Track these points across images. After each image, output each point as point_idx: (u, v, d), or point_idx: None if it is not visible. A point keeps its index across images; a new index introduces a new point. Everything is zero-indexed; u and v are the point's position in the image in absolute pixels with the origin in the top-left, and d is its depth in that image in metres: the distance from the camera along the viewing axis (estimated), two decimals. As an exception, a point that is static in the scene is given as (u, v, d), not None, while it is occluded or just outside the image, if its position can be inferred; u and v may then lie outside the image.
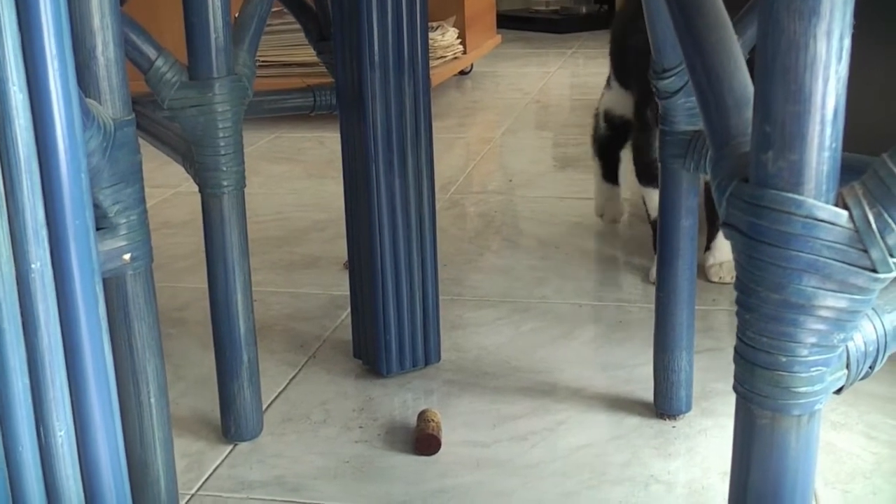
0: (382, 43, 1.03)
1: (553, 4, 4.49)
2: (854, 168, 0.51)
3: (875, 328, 0.53)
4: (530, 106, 2.76)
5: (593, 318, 1.31)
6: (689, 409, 1.04)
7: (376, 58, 1.03)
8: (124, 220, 0.71)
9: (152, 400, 0.76)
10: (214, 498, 0.93)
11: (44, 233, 0.47)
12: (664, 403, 1.04)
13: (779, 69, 0.46)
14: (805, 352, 0.49)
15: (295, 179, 2.07)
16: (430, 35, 2.68)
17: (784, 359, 0.50)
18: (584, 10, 4.40)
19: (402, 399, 1.11)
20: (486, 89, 3.05)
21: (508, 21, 4.33)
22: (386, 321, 1.12)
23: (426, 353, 1.16)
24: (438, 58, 2.73)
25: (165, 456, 0.79)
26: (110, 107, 0.70)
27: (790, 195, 0.47)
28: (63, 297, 0.48)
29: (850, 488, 0.92)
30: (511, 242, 1.62)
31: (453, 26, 2.87)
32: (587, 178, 1.99)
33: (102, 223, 0.71)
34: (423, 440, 0.99)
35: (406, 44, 1.05)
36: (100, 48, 0.68)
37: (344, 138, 1.11)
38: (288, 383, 1.16)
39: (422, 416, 1.02)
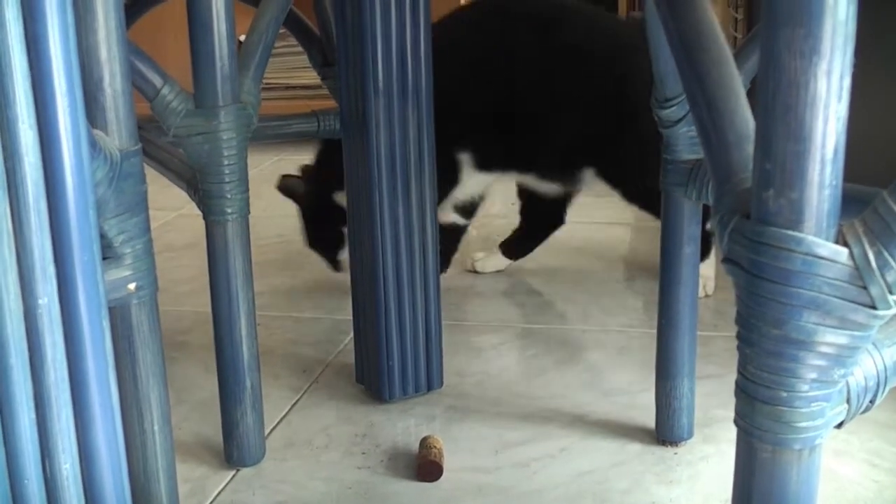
0: (387, 70, 1.04)
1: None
2: (859, 199, 0.51)
3: (875, 363, 0.53)
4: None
5: (596, 343, 1.32)
6: (690, 435, 1.04)
7: (380, 85, 1.04)
8: (129, 250, 0.71)
9: (156, 428, 0.76)
10: (217, 524, 0.94)
11: (51, 269, 0.47)
12: (666, 430, 1.04)
13: (779, 107, 0.47)
14: (805, 387, 0.50)
15: (298, 202, 2.08)
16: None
17: (785, 394, 0.50)
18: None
19: (404, 425, 1.11)
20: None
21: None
22: (388, 346, 1.12)
23: (429, 379, 1.16)
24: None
25: (168, 484, 0.79)
26: (117, 138, 0.70)
27: (790, 232, 0.48)
28: (70, 333, 0.48)
29: (852, 517, 0.92)
30: (514, 267, 1.63)
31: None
32: (591, 202, 1.99)
33: (107, 253, 0.71)
34: (425, 467, 0.99)
35: (410, 70, 1.05)
36: (107, 80, 0.69)
37: (348, 164, 1.11)
38: (290, 408, 1.16)
39: (424, 442, 1.02)
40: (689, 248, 0.96)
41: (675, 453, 1.03)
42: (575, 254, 1.68)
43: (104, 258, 0.71)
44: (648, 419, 1.08)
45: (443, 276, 1.54)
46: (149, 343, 0.75)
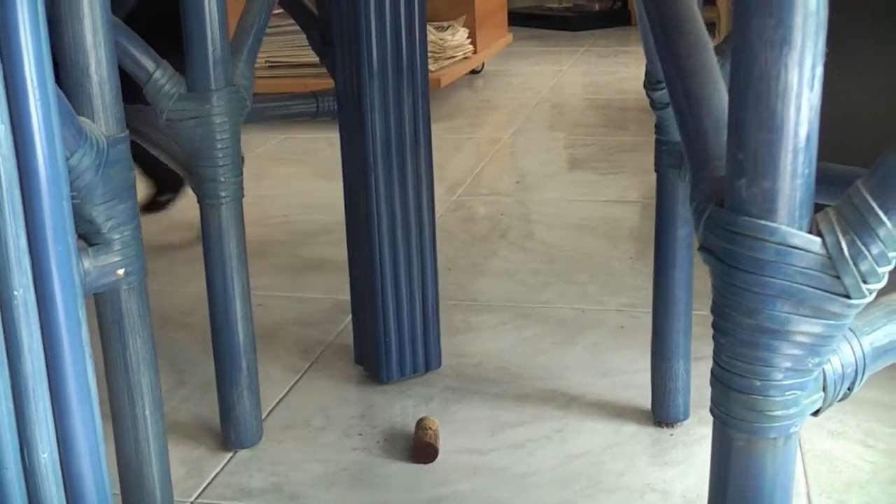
0: (381, 51, 1.04)
1: (566, 2, 4.49)
2: (846, 180, 0.51)
3: (853, 350, 0.53)
4: (541, 105, 2.76)
5: (595, 323, 1.32)
6: (686, 417, 1.05)
7: (375, 66, 1.04)
8: (118, 236, 0.72)
9: (147, 412, 0.77)
10: (213, 506, 0.94)
11: (26, 260, 0.48)
12: (662, 412, 1.04)
13: (751, 97, 0.46)
14: (780, 376, 0.50)
15: (303, 181, 2.08)
16: (440, 35, 2.68)
17: (759, 383, 0.50)
18: (596, 7, 4.39)
19: (402, 406, 1.12)
20: (497, 88, 3.05)
21: (521, 19, 4.32)
22: (386, 328, 1.12)
23: (427, 360, 1.16)
24: (448, 58, 2.73)
25: (161, 467, 0.80)
26: (103, 124, 0.70)
27: (763, 222, 0.48)
28: (46, 323, 0.49)
29: (845, 498, 0.92)
30: (516, 246, 1.63)
31: (463, 26, 2.87)
32: (596, 180, 1.99)
33: (96, 239, 0.72)
34: (421, 448, 1.00)
35: (405, 51, 1.05)
36: (93, 67, 0.69)
37: (343, 145, 1.11)
38: (289, 389, 1.17)
39: (420, 423, 1.03)
40: (683, 229, 0.96)
41: (671, 435, 1.03)
42: (579, 231, 1.68)
43: (93, 244, 0.72)
44: (645, 400, 1.08)
45: (444, 255, 1.54)
46: (139, 329, 0.75)
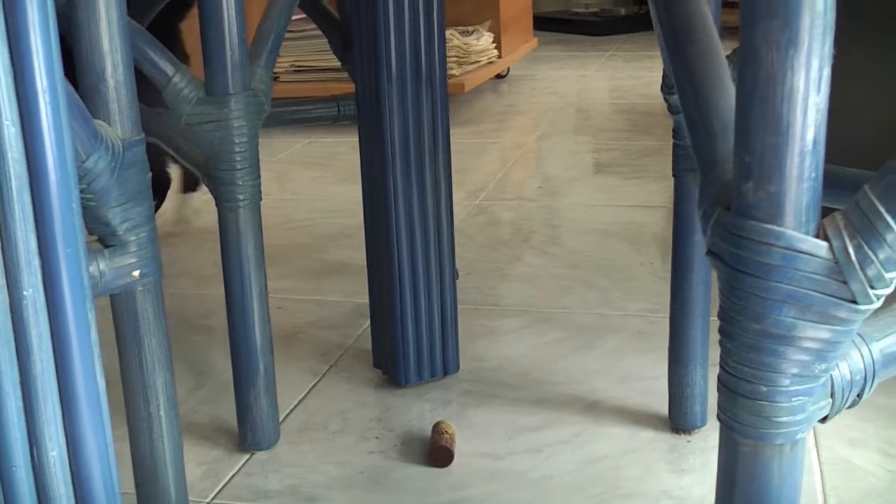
0: (400, 56, 1.04)
1: (592, 6, 4.48)
2: (855, 183, 0.51)
3: (863, 356, 0.53)
4: (566, 110, 2.76)
5: (616, 328, 1.31)
6: (703, 423, 1.04)
7: (394, 71, 1.04)
8: (134, 238, 0.73)
9: (161, 412, 0.78)
10: (229, 507, 0.95)
11: (36, 261, 0.48)
12: (679, 418, 1.04)
13: (757, 100, 0.46)
14: (786, 381, 0.49)
15: (327, 185, 2.09)
16: (465, 39, 2.69)
17: (765, 388, 0.50)
18: (622, 11, 4.38)
19: (419, 409, 1.12)
20: (522, 93, 3.05)
21: (547, 23, 4.32)
22: (404, 332, 1.13)
23: (444, 364, 1.17)
24: (473, 62, 2.73)
25: (175, 466, 0.80)
26: (119, 127, 0.71)
27: (770, 226, 0.47)
28: (55, 323, 0.49)
29: (863, 506, 0.91)
30: (538, 250, 1.63)
31: (488, 31, 2.87)
32: (619, 185, 1.99)
33: (112, 240, 0.73)
34: (437, 452, 1.00)
35: (424, 57, 1.05)
36: (109, 70, 0.70)
37: (363, 149, 1.12)
38: (308, 392, 1.17)
39: (436, 427, 1.03)
40: (701, 234, 0.96)
41: (688, 441, 1.03)
42: (601, 236, 1.67)
43: (108, 245, 0.73)
44: (663, 406, 1.07)
45: (464, 260, 1.54)
46: (154, 329, 0.76)
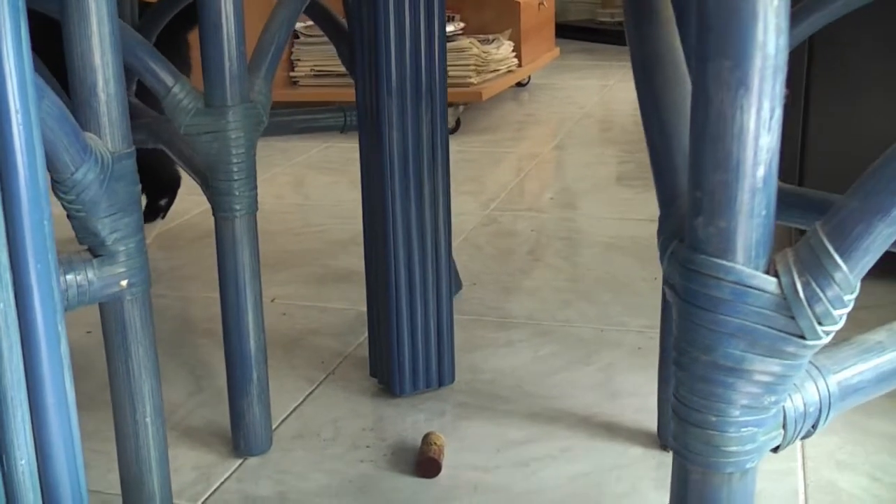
0: (400, 70, 1.06)
1: (618, 16, 4.47)
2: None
3: (818, 389, 0.53)
4: (584, 120, 2.77)
5: (613, 343, 1.32)
6: (691, 442, 1.04)
7: (394, 85, 1.05)
8: (122, 248, 0.74)
9: (147, 419, 0.79)
10: (218, 512, 0.97)
11: (7, 275, 0.50)
12: (667, 435, 1.04)
13: (708, 137, 0.47)
14: (736, 412, 0.50)
15: (341, 190, 2.11)
16: (484, 48, 2.70)
17: (714, 418, 0.50)
18: (649, 21, 4.37)
19: (412, 419, 1.13)
20: (541, 102, 3.06)
21: (573, 32, 4.33)
22: (400, 342, 1.14)
23: (440, 375, 1.18)
24: (492, 71, 2.74)
25: (161, 473, 0.82)
26: (109, 140, 0.73)
27: (719, 261, 0.48)
28: (26, 336, 0.51)
29: (845, 531, 0.92)
30: (542, 263, 1.63)
31: (509, 39, 2.88)
32: (630, 198, 1.99)
33: (101, 250, 0.74)
34: (424, 463, 1.01)
35: (424, 71, 1.07)
36: (100, 85, 0.72)
37: (363, 161, 1.13)
38: (304, 399, 1.19)
39: (426, 438, 1.04)
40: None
41: (676, 459, 1.03)
42: (607, 249, 1.68)
43: (97, 255, 0.74)
44: (654, 423, 1.08)
45: (469, 271, 1.56)
46: (141, 338, 0.78)
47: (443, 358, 1.17)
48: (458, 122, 2.64)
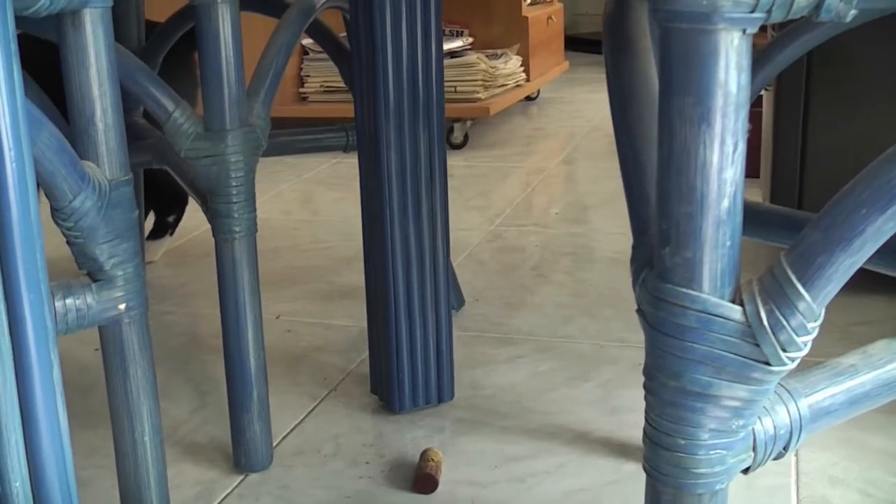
0: (397, 91, 1.07)
1: (628, 28, 4.49)
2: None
3: (789, 412, 0.55)
4: (591, 134, 2.78)
5: (612, 359, 1.33)
6: (686, 458, 1.06)
7: (391, 105, 1.07)
8: (120, 273, 0.76)
9: (146, 439, 0.81)
10: (218, 528, 0.98)
11: (1, 306, 0.52)
12: (661, 452, 1.05)
13: (673, 170, 0.49)
14: (705, 436, 0.52)
15: (348, 207, 2.13)
16: (492, 63, 2.72)
17: (683, 441, 0.52)
18: (659, 33, 4.38)
19: (412, 436, 1.15)
20: (550, 116, 3.07)
21: (584, 45, 4.35)
22: (399, 359, 1.16)
23: (439, 391, 1.19)
24: (500, 86, 2.76)
25: (159, 491, 0.84)
26: (107, 168, 0.75)
27: (685, 290, 0.50)
28: (19, 363, 0.53)
29: (835, 547, 0.93)
30: (545, 278, 1.65)
31: (517, 54, 2.90)
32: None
33: (99, 275, 0.76)
34: (421, 479, 1.02)
35: (421, 91, 1.09)
36: (98, 114, 0.74)
37: (362, 180, 1.15)
38: (306, 416, 1.21)
39: (423, 455, 1.06)
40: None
41: (670, 475, 1.04)
42: (610, 265, 1.69)
43: (96, 280, 0.76)
44: (649, 439, 1.09)
45: (473, 287, 1.57)
46: (139, 360, 0.80)
47: (442, 374, 1.19)
48: (465, 137, 2.66)
